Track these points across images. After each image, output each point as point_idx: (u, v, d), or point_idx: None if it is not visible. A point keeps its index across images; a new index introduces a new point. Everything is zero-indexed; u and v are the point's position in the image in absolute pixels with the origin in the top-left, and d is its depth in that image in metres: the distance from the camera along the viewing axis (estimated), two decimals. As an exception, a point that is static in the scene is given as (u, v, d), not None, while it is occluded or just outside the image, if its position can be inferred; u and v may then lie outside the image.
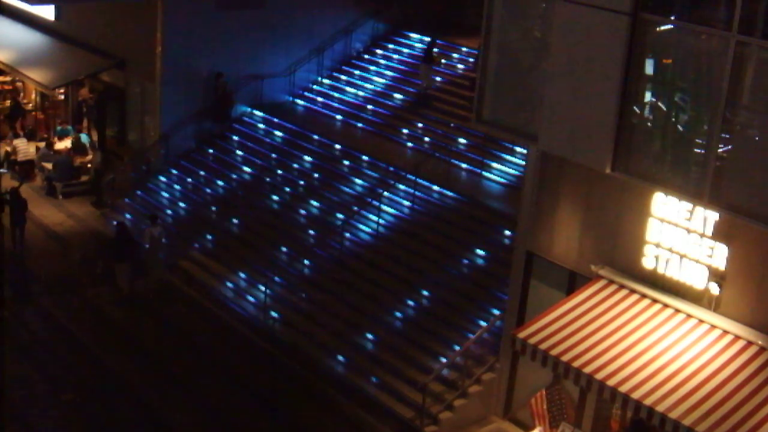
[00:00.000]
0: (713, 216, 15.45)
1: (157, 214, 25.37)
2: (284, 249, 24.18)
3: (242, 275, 23.82)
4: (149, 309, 23.18)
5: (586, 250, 17.56)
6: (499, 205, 23.10)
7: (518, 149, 24.74)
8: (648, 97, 16.02)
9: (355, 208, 24.44)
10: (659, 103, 15.96)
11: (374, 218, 24.02)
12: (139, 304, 23.29)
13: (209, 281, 23.97)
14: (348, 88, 30.37)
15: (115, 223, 25.42)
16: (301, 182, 26.28)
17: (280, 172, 27.01)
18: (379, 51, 31.57)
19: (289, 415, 19.39)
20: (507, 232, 22.07)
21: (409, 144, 26.97)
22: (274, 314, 22.26)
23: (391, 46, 31.67)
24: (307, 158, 27.16)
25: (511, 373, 19.28)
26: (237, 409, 19.45)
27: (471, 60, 28.95)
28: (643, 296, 16.54)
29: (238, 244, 24.89)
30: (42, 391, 19.61)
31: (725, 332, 15.55)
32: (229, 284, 23.71)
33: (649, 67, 15.80)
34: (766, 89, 14.63)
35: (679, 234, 15.95)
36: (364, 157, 26.42)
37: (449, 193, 24.07)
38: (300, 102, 30.34)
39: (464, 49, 30.01)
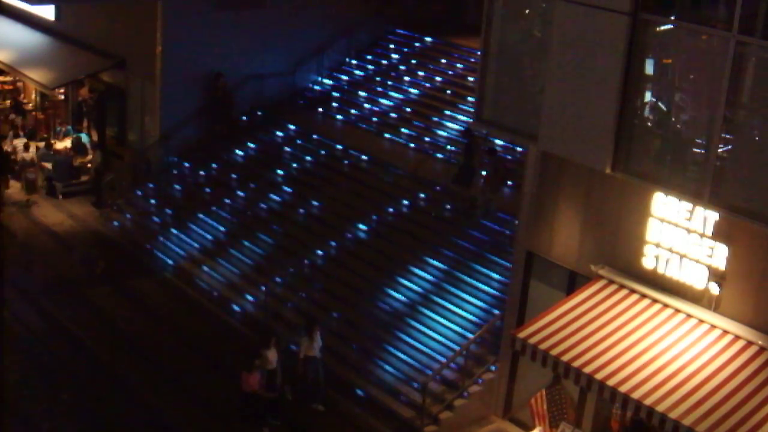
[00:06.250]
0: (713, 216, 15.45)
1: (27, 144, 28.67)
2: (284, 248, 24.18)
3: (243, 275, 23.83)
4: (150, 309, 23.18)
5: (586, 250, 17.56)
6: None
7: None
8: (648, 97, 16.01)
9: (355, 207, 24.46)
10: (659, 103, 15.96)
11: (375, 217, 24.04)
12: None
13: (209, 280, 23.98)
14: (348, 88, 30.36)
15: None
16: (302, 182, 26.28)
17: (280, 171, 27.02)
18: (379, 51, 31.56)
19: (289, 415, 19.36)
20: (507, 232, 22.09)
21: (410, 144, 26.99)
22: (273, 314, 22.28)
23: (391, 45, 31.66)
24: (308, 158, 27.18)
25: (511, 373, 19.27)
26: (237, 409, 19.43)
27: (471, 60, 28.97)
28: (643, 296, 16.54)
29: (238, 244, 24.89)
30: (42, 391, 19.61)
31: (725, 332, 15.55)
32: (230, 283, 23.71)
33: (649, 67, 15.80)
34: (766, 89, 14.63)
35: (679, 234, 15.94)
36: (364, 157, 26.47)
37: (449, 193, 24.08)
38: (300, 102, 30.31)
39: (465, 49, 30.03)
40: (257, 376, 18.44)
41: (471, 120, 23.29)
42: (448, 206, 23.69)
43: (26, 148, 29.56)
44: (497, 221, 22.66)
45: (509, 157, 24.66)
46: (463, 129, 25.80)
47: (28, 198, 28.43)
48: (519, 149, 24.78)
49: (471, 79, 28.28)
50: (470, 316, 20.69)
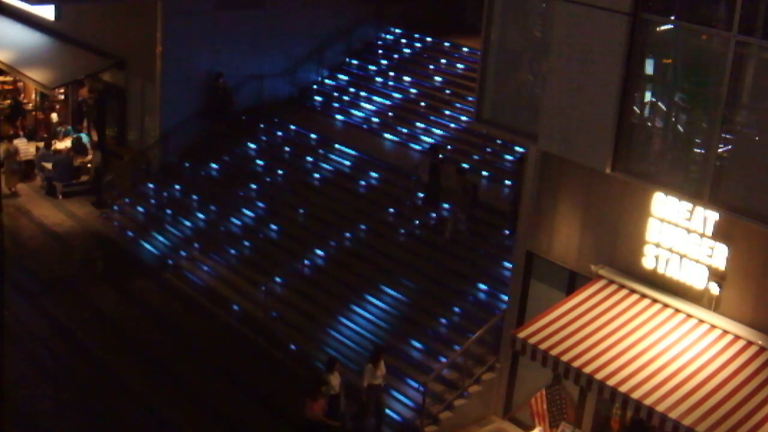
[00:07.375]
0: (713, 216, 15.45)
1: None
2: (284, 248, 24.18)
3: (242, 274, 23.81)
4: (150, 309, 23.18)
5: (586, 250, 17.56)
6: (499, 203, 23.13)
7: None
8: (648, 97, 16.02)
9: (356, 207, 24.45)
10: (659, 103, 15.97)
11: (375, 217, 24.03)
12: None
13: (208, 280, 23.98)
14: (348, 88, 30.37)
15: None
16: (301, 181, 26.28)
17: (279, 171, 27.03)
18: (379, 50, 31.56)
19: (288, 415, 19.37)
20: (507, 232, 22.09)
21: (410, 144, 26.99)
22: (274, 314, 22.28)
23: (391, 45, 31.67)
24: (308, 158, 27.18)
25: (511, 373, 19.28)
26: (237, 409, 19.45)
27: (470, 60, 28.96)
28: (643, 296, 16.55)
29: (238, 244, 24.88)
30: (42, 391, 19.61)
31: (725, 332, 15.56)
32: (229, 283, 23.70)
33: (649, 67, 15.81)
34: (766, 89, 14.64)
35: (679, 234, 15.95)
36: (363, 156, 26.46)
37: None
38: (300, 102, 30.31)
39: (465, 49, 30.02)
40: (322, 403, 17.81)
41: (471, 120, 23.28)
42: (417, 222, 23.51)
43: (9, 138, 29.50)
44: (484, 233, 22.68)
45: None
46: (428, 147, 25.60)
47: (11, 190, 28.38)
48: (485, 174, 24.60)
49: (451, 88, 28.39)
50: (470, 316, 20.68)
